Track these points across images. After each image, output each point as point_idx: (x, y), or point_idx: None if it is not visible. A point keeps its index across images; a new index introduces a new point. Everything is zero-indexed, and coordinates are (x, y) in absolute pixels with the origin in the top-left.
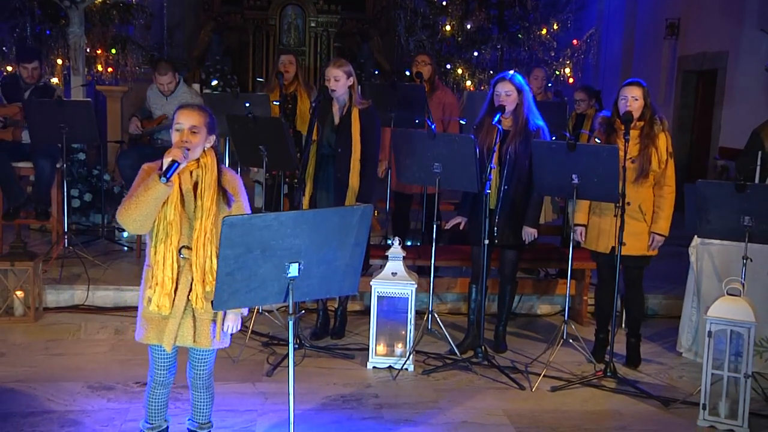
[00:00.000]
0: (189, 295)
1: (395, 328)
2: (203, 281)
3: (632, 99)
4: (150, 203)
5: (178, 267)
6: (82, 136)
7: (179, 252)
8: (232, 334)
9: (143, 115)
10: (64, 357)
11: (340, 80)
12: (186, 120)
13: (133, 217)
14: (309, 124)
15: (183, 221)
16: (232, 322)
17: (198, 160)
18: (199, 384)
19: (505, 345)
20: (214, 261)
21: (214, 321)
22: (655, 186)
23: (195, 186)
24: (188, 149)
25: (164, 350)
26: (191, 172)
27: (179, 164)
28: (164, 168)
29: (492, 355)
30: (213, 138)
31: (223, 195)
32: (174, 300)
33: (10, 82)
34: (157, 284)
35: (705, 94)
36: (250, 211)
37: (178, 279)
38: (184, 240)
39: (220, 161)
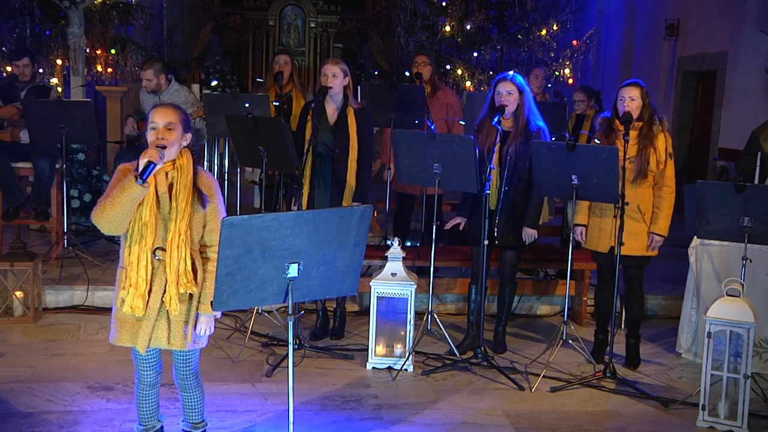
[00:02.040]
0: (163, 296)
1: (395, 328)
2: (177, 283)
3: (629, 99)
4: (126, 204)
5: (153, 268)
6: (81, 137)
7: (153, 253)
8: (210, 335)
9: (139, 117)
10: (64, 357)
11: (337, 77)
12: (161, 118)
13: (108, 218)
14: (300, 123)
15: (158, 222)
16: (205, 324)
17: (174, 161)
18: (187, 384)
19: (505, 345)
20: (188, 263)
21: (188, 322)
22: (655, 186)
23: (170, 187)
24: (164, 149)
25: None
26: (167, 174)
27: (155, 165)
28: (140, 169)
29: (491, 356)
30: (189, 136)
31: (198, 196)
32: (148, 302)
33: (6, 83)
34: (130, 285)
35: (705, 94)
36: (224, 213)
37: (152, 280)
38: (159, 241)
39: (196, 162)
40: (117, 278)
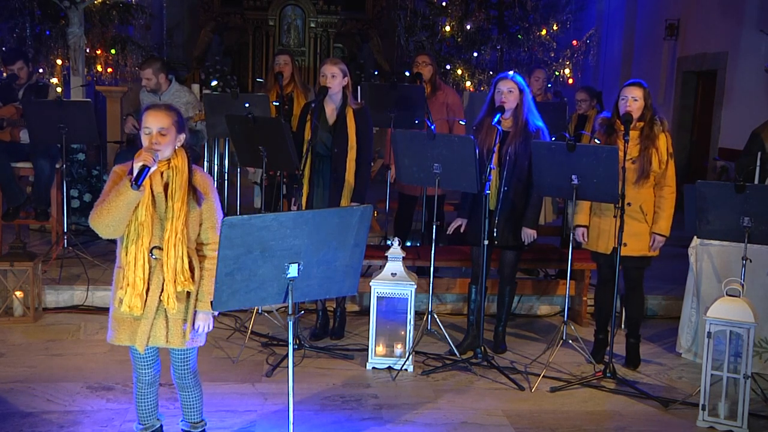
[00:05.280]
0: (161, 295)
1: (395, 328)
2: (174, 281)
3: (632, 99)
4: (122, 208)
5: (150, 268)
6: (81, 137)
7: (150, 252)
8: (207, 333)
9: (139, 117)
10: (64, 357)
11: (336, 77)
12: (154, 122)
13: (105, 222)
14: (299, 123)
15: (154, 222)
16: (203, 321)
17: (169, 161)
18: (185, 383)
19: (505, 345)
20: (186, 261)
21: (186, 320)
22: (656, 186)
23: (166, 187)
24: (158, 152)
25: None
26: (162, 173)
27: (150, 169)
28: (135, 174)
29: (491, 356)
30: (183, 137)
31: (194, 194)
32: (146, 301)
33: (5, 83)
34: (128, 285)
35: (705, 94)
36: (220, 211)
37: (149, 279)
38: (155, 240)
39: (192, 161)
40: (114, 278)
